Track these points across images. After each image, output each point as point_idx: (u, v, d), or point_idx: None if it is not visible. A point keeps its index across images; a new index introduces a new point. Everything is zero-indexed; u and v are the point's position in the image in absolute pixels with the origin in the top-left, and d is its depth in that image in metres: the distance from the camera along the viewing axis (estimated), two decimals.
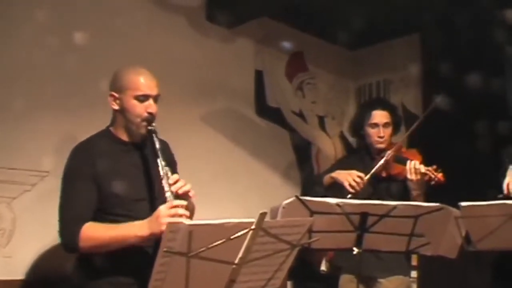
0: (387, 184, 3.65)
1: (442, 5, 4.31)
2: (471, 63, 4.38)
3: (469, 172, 4.13)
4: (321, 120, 5.37)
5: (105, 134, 2.79)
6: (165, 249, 2.06)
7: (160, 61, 3.97)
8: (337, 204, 2.74)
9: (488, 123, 4.36)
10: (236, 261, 2.17)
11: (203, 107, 4.46)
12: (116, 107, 2.74)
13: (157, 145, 2.65)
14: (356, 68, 5.63)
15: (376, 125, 3.70)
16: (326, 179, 3.71)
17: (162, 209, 2.49)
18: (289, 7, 4.66)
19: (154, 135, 2.68)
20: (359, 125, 3.82)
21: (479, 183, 3.60)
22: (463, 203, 2.78)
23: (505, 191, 3.17)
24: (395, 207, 2.76)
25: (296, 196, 2.73)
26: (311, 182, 4.21)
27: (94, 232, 2.55)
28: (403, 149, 3.74)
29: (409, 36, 5.16)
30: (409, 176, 3.44)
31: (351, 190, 3.50)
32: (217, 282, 2.22)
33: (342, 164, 3.87)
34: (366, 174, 3.56)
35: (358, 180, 3.51)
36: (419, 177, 3.42)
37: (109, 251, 2.55)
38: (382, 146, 3.69)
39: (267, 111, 4.95)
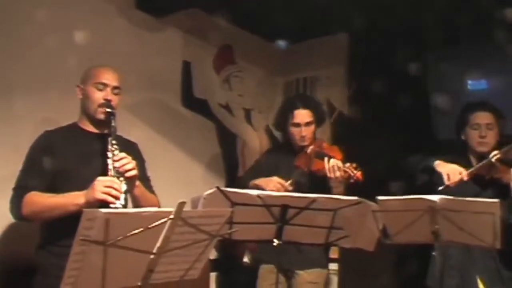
0: (308, 179, 3.69)
1: (370, 7, 4.41)
2: (396, 64, 4.52)
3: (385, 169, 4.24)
4: (248, 113, 5.40)
5: (71, 126, 3.08)
6: (81, 238, 2.03)
7: (87, 48, 3.90)
8: (258, 196, 2.76)
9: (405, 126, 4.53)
10: (154, 250, 2.16)
11: (128, 96, 4.33)
12: (80, 96, 3.04)
13: (112, 126, 2.89)
14: (284, 64, 5.68)
15: (298, 124, 3.74)
16: (251, 186, 3.74)
17: (100, 179, 2.71)
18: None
19: (112, 117, 2.91)
20: (282, 123, 3.86)
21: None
22: (380, 197, 2.85)
23: (447, 182, 3.26)
24: (315, 200, 2.80)
25: (217, 187, 2.73)
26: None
27: (36, 199, 2.79)
28: (325, 145, 3.79)
29: (337, 35, 5.26)
30: (329, 174, 3.49)
31: None
32: (135, 271, 2.20)
33: (265, 163, 3.91)
34: (289, 170, 3.67)
35: (278, 186, 3.60)
36: (338, 174, 3.46)
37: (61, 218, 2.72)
38: (304, 144, 3.75)
39: (194, 103, 4.92)
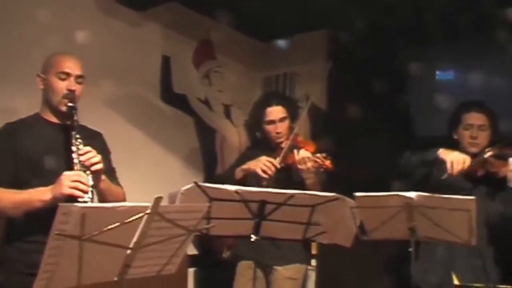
0: (286, 173, 3.70)
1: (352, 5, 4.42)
2: (376, 64, 4.54)
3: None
4: (227, 109, 5.40)
5: (33, 117, 2.95)
6: (56, 232, 2.00)
7: (65, 41, 3.86)
8: (236, 191, 2.74)
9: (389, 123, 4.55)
10: (131, 245, 2.14)
11: (107, 90, 4.35)
12: (41, 86, 2.91)
13: (75, 120, 2.79)
14: (264, 60, 5.68)
15: (272, 122, 3.75)
16: (238, 173, 3.74)
17: (66, 174, 2.63)
18: None
19: (74, 111, 2.81)
20: (257, 123, 3.86)
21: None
22: (358, 194, 2.86)
23: (449, 171, 3.25)
24: (292, 195, 2.79)
25: (195, 182, 2.72)
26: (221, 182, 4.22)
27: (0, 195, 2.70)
28: (300, 139, 3.80)
29: (317, 31, 5.27)
30: (299, 165, 3.51)
31: (264, 175, 3.56)
32: (112, 266, 2.18)
33: (247, 157, 3.90)
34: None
35: (268, 164, 3.58)
36: (309, 165, 3.47)
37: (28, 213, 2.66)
38: (280, 140, 3.75)
39: (173, 97, 4.92)
